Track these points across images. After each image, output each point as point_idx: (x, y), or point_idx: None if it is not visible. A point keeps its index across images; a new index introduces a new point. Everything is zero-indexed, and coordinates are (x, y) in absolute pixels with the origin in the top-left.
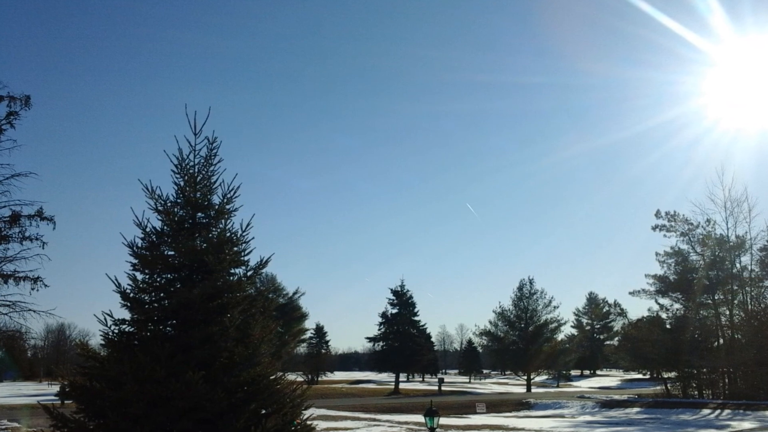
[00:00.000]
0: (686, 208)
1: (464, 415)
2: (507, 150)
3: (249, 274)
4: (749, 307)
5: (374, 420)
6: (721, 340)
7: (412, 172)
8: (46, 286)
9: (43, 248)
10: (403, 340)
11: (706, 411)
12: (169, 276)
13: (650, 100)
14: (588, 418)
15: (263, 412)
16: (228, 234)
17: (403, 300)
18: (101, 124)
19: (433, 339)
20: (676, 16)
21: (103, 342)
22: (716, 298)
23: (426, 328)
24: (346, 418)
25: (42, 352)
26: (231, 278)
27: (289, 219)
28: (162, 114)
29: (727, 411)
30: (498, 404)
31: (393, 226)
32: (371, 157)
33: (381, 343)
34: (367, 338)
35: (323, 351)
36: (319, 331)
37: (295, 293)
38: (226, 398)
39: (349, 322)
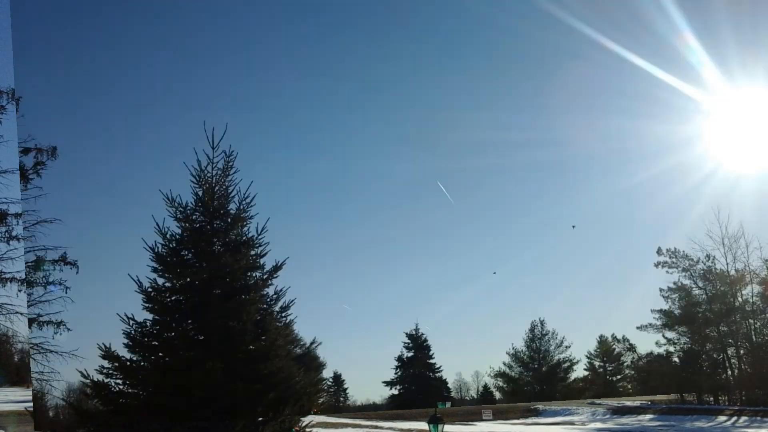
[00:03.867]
0: (686, 245)
1: (470, 423)
2: (515, 202)
3: (264, 277)
4: (753, 338)
5: (376, 427)
6: (729, 371)
7: (429, 230)
8: (68, 329)
9: (66, 292)
10: (419, 383)
11: (722, 418)
12: (188, 279)
13: (650, 149)
14: (599, 425)
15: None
16: (244, 238)
17: (418, 343)
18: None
19: (449, 385)
20: (670, 70)
21: (125, 341)
22: (721, 330)
23: (442, 373)
24: (346, 425)
25: (63, 413)
26: (249, 280)
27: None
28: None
29: (744, 418)
30: (505, 411)
31: (410, 279)
32: (382, 217)
33: (398, 387)
34: (384, 382)
35: (341, 399)
36: (337, 380)
37: (312, 343)
38: (245, 389)
39: (364, 370)
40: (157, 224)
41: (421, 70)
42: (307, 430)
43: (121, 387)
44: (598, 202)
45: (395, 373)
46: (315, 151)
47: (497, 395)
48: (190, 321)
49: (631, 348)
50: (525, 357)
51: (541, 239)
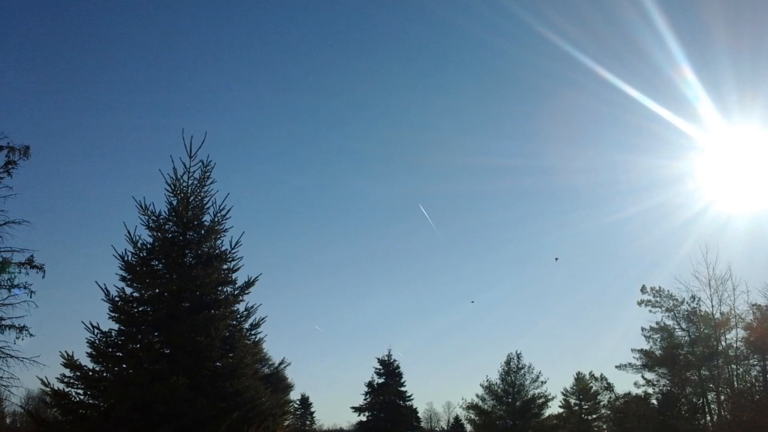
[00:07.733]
0: (671, 284)
1: None
2: (497, 230)
3: (235, 292)
4: (735, 384)
5: None
6: (708, 417)
7: (408, 253)
8: (31, 335)
9: (30, 297)
10: (389, 411)
11: None
12: (157, 290)
13: (641, 183)
14: None
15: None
16: (217, 251)
17: (389, 369)
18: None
19: (420, 415)
20: (666, 104)
21: (89, 350)
22: (702, 374)
23: (412, 402)
24: None
25: (21, 420)
26: (219, 295)
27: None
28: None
29: None
30: None
31: (385, 303)
32: (360, 237)
33: (367, 413)
34: (353, 408)
35: (308, 423)
36: (305, 402)
37: (281, 363)
38: (209, 407)
39: (333, 394)
40: (128, 232)
41: (407, 88)
42: None
43: (81, 397)
44: (583, 235)
45: (364, 399)
46: (295, 166)
47: (468, 428)
48: (156, 333)
49: (609, 387)
50: (499, 390)
51: (522, 269)
